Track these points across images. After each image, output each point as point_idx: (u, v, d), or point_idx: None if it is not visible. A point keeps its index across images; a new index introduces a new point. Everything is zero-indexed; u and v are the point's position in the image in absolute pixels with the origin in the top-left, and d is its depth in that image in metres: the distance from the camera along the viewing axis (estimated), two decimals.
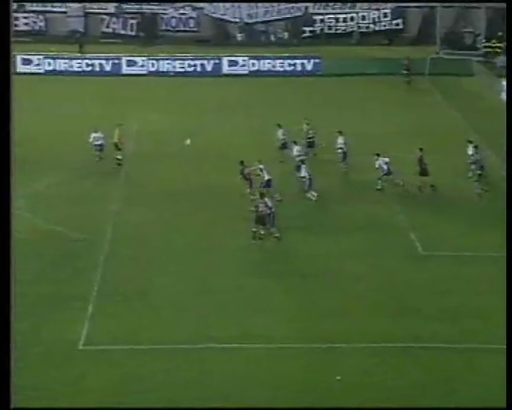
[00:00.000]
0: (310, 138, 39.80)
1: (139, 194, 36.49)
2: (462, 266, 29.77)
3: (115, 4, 64.91)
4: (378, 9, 65.36)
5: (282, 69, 58.97)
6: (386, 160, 36.15)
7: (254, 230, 31.41)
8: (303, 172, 36.00)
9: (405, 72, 54.77)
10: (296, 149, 37.90)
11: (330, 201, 35.94)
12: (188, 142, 39.28)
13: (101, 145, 39.32)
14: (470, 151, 37.79)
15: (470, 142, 38.19)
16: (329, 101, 50.14)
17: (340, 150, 38.64)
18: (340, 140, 38.87)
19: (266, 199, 31.97)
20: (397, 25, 65.55)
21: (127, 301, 27.87)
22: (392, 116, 47.67)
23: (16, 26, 63.89)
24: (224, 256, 30.70)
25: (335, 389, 22.80)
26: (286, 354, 24.54)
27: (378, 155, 36.38)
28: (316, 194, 35.20)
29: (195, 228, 33.34)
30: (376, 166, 36.32)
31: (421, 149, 36.83)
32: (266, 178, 35.09)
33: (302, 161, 36.73)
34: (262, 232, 31.50)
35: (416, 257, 30.94)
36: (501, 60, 55.86)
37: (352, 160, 38.51)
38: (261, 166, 35.26)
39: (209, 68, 58.80)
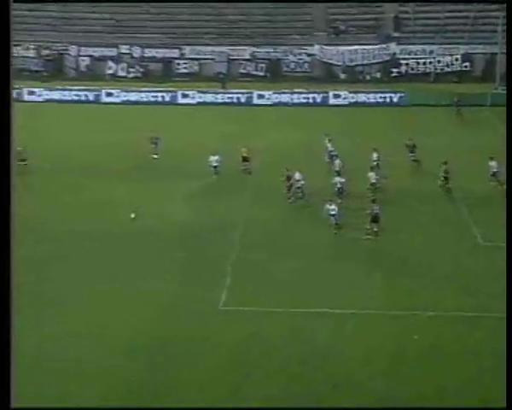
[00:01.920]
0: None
1: (265, 196, 36.89)
2: None
3: (250, 52, 65.58)
4: (451, 55, 64.57)
5: (374, 101, 58.90)
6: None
7: (368, 227, 31.35)
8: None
9: (456, 106, 53.51)
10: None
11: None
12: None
13: (215, 167, 39.19)
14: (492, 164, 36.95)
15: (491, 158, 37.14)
16: (413, 126, 49.83)
17: (374, 162, 38.17)
18: (375, 154, 38.53)
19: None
20: (465, 66, 64.53)
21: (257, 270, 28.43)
22: (461, 136, 47.49)
23: (177, 70, 65.81)
24: (344, 247, 31.01)
25: (413, 346, 23.17)
26: (379, 320, 24.87)
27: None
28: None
29: (304, 222, 33.69)
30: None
31: (445, 163, 36.32)
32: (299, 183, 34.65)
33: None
34: (375, 230, 31.46)
35: (477, 247, 30.88)
36: None
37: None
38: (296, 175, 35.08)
39: (319, 100, 59.02)
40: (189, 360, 22.43)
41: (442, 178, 36.44)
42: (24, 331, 23.58)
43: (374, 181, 35.70)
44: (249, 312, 25.35)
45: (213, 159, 39.41)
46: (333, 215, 31.61)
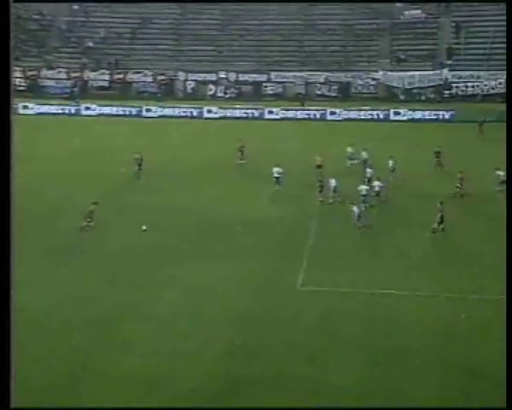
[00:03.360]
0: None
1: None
2: None
3: (324, 77, 65.50)
4: (496, 79, 62.85)
5: (429, 117, 57.94)
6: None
7: (435, 226, 30.18)
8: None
9: (480, 125, 51.05)
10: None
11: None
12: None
13: (277, 178, 37.48)
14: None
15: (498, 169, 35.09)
16: (460, 141, 48.83)
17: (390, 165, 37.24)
18: (391, 162, 37.60)
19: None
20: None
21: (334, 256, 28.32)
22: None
23: (265, 91, 66.28)
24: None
25: (462, 325, 22.84)
26: (431, 302, 24.56)
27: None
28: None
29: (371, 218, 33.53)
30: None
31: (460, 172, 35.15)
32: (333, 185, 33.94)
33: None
34: (442, 227, 30.31)
35: None
36: None
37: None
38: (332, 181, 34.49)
39: (382, 116, 58.47)
40: (277, 328, 22.68)
41: (458, 185, 35.14)
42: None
43: (365, 193, 33.83)
44: (324, 291, 25.34)
45: (275, 170, 37.16)
46: (358, 217, 30.61)
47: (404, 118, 57.98)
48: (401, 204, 35.29)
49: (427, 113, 58.19)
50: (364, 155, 40.21)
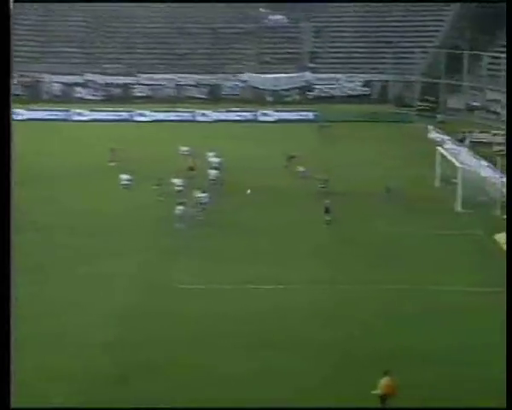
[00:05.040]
0: None
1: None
2: None
3: (194, 79, 65.39)
4: (353, 81, 65.61)
5: (295, 118, 59.48)
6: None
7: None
8: None
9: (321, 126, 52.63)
10: None
11: None
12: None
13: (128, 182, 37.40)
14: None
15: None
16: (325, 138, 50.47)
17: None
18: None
19: None
20: (365, 91, 65.89)
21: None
22: (362, 146, 48.43)
23: (135, 93, 64.94)
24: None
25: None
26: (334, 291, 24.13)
27: None
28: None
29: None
30: None
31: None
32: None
33: None
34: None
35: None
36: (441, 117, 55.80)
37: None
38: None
39: (250, 117, 59.20)
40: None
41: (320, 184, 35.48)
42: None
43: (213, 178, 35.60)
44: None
45: (124, 177, 37.29)
46: None
47: (272, 119, 59.30)
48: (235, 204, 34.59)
49: (292, 114, 59.80)
50: (212, 155, 40.24)
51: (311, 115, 59.37)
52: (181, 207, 31.07)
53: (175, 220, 30.71)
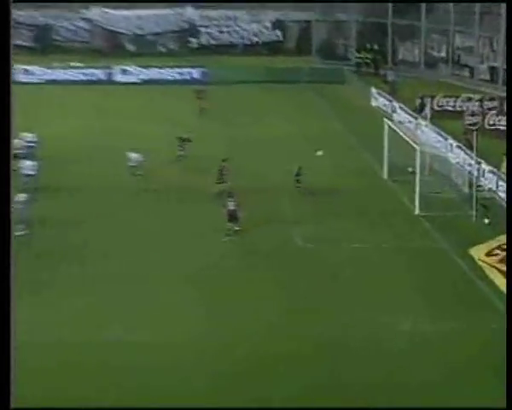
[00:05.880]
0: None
1: None
2: None
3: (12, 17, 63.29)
4: (258, 22, 65.88)
5: (171, 78, 58.81)
6: None
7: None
8: None
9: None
10: None
11: None
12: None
13: None
14: None
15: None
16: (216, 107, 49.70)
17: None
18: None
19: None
20: (277, 36, 66.25)
21: None
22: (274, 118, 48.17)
23: None
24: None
25: None
26: None
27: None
28: None
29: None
30: None
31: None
32: None
33: None
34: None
35: None
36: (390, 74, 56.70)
37: None
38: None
39: (102, 77, 58.40)
40: None
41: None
42: None
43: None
44: None
45: None
46: None
47: (135, 79, 58.55)
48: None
49: (167, 71, 59.26)
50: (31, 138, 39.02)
51: (195, 73, 59.10)
52: None
53: None
